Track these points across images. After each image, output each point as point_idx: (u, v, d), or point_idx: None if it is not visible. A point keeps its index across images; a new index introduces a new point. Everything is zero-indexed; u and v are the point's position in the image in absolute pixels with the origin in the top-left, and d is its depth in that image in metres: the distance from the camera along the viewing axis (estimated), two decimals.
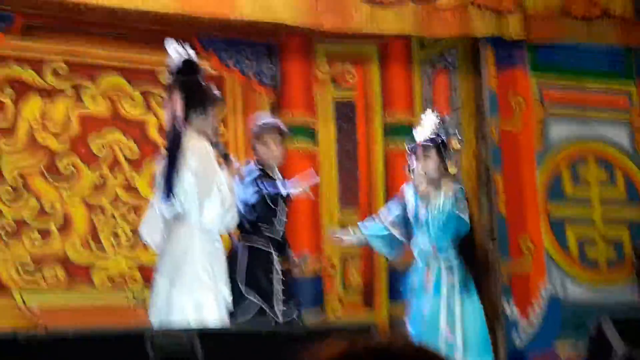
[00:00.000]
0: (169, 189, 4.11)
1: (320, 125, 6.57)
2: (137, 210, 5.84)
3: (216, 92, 4.36)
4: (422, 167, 5.07)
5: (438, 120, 5.18)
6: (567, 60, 6.60)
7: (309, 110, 6.52)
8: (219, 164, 4.19)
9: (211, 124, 4.27)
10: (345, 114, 6.71)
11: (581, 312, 5.90)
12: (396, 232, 5.18)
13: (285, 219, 5.00)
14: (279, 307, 4.83)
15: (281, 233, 4.97)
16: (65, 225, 5.84)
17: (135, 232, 5.87)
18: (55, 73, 5.93)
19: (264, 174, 4.96)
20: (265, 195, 4.88)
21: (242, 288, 4.76)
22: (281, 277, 4.88)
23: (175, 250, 4.13)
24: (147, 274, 5.75)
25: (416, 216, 5.13)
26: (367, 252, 6.27)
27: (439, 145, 5.07)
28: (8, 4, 5.67)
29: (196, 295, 4.05)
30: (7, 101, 5.79)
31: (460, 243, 5.07)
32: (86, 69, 5.99)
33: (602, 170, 6.59)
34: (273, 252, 4.91)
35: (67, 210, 5.85)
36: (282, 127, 5.12)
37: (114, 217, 5.98)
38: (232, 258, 4.72)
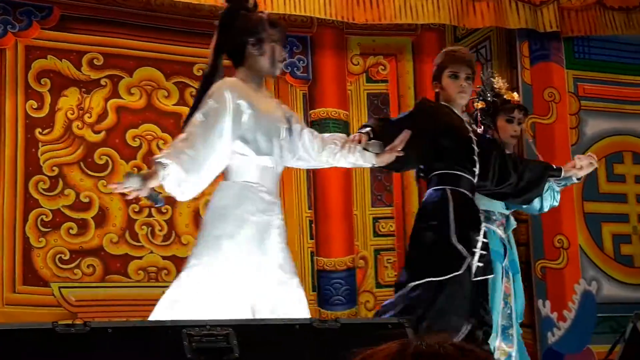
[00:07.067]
0: None
1: (352, 119, 6.53)
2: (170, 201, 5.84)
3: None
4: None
5: None
6: (603, 53, 6.53)
7: (341, 103, 6.48)
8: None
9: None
10: (377, 106, 6.67)
11: (616, 309, 5.85)
12: None
13: None
14: None
15: None
16: (102, 217, 5.86)
17: (169, 224, 5.89)
18: (92, 64, 5.95)
19: None
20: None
21: None
22: None
23: None
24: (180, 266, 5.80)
25: None
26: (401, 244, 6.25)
27: None
28: None
29: None
30: (44, 92, 5.82)
31: None
32: (122, 60, 6.00)
33: (638, 166, 6.52)
34: None
35: (103, 201, 5.87)
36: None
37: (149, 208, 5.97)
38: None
